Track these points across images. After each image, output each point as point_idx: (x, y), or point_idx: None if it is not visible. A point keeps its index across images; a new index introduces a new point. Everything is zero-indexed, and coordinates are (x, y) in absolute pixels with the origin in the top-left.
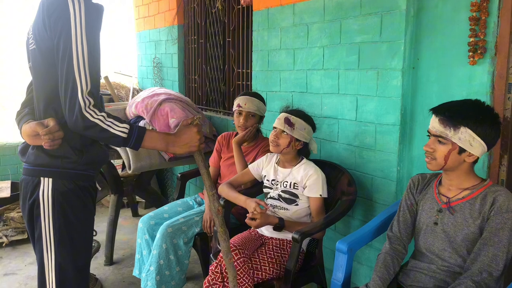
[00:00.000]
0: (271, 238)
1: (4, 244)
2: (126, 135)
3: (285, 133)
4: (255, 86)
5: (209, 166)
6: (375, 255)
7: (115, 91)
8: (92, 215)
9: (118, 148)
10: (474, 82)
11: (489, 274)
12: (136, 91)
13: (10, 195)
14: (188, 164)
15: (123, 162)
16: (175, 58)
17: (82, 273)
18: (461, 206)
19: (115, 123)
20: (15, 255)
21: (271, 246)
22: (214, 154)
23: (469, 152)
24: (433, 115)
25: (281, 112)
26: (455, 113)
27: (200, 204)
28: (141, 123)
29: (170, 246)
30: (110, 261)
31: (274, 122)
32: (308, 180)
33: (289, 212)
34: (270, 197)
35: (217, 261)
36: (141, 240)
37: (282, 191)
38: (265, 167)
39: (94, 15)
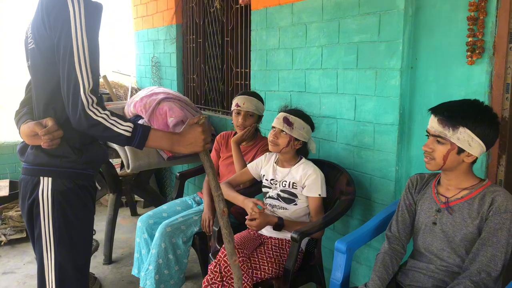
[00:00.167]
0: (270, 237)
1: (2, 243)
2: (130, 134)
3: (284, 132)
4: (254, 85)
5: (214, 165)
6: (374, 255)
7: (114, 90)
8: (92, 214)
9: (116, 147)
10: (472, 82)
11: (487, 274)
12: (135, 90)
13: (9, 194)
14: (186, 163)
15: (122, 161)
16: (174, 57)
17: (82, 272)
18: (459, 206)
19: (118, 121)
20: (13, 254)
21: (270, 246)
22: (213, 153)
23: (468, 152)
24: (432, 115)
25: (279, 112)
26: (454, 113)
27: (199, 203)
28: (140, 122)
29: (169, 245)
30: (109, 260)
31: (272, 122)
32: (307, 180)
33: (288, 211)
34: (269, 197)
35: (216, 261)
36: (140, 239)
37: (281, 191)
38: (264, 167)
39: (93, 13)
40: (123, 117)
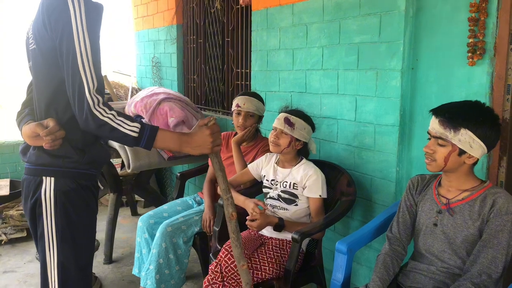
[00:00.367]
0: (271, 238)
1: (3, 242)
2: (137, 134)
3: (285, 133)
4: (254, 86)
5: (224, 168)
6: (375, 256)
7: (114, 90)
8: (95, 214)
9: (117, 147)
10: (473, 83)
11: (488, 276)
12: (135, 91)
13: (9, 193)
14: (187, 163)
15: (122, 161)
16: (174, 57)
17: (85, 272)
18: (460, 207)
19: (125, 121)
20: (14, 253)
21: (270, 246)
22: None
23: (469, 154)
24: (433, 116)
25: (280, 112)
26: (455, 114)
27: (199, 203)
28: None
29: (170, 245)
30: (109, 260)
31: (273, 122)
32: (307, 181)
33: (289, 212)
34: (270, 197)
35: (217, 261)
36: (141, 239)
37: (282, 191)
38: (264, 167)
39: (94, 14)
40: (130, 117)
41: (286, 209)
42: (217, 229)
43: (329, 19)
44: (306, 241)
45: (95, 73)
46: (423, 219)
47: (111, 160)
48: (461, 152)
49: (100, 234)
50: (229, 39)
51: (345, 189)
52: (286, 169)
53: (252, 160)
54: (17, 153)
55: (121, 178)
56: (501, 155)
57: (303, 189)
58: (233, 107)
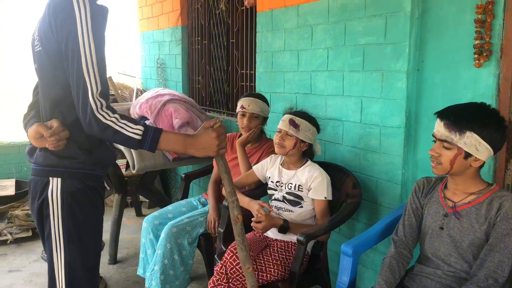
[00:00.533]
0: (276, 240)
1: (8, 242)
2: (141, 137)
3: (290, 134)
4: (259, 87)
5: (230, 171)
6: (380, 259)
7: (119, 91)
8: (101, 215)
9: (122, 148)
10: (479, 85)
11: (495, 281)
12: (140, 92)
13: (15, 193)
14: (191, 164)
15: (127, 162)
16: (179, 59)
17: (92, 272)
18: (467, 211)
19: (128, 124)
20: (19, 252)
21: (275, 248)
22: None
23: (475, 157)
24: (438, 119)
25: (285, 114)
26: (460, 117)
27: (204, 204)
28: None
29: (175, 246)
30: (114, 260)
31: (278, 124)
32: (312, 182)
33: (294, 214)
34: (275, 199)
35: (222, 262)
36: (146, 239)
37: (287, 193)
38: (269, 169)
39: (99, 17)
40: (134, 120)
41: (291, 211)
42: (222, 231)
43: (335, 20)
44: (311, 243)
45: (99, 76)
46: (429, 222)
47: (116, 161)
48: (467, 155)
49: (105, 234)
50: (233, 41)
51: (350, 191)
52: (291, 171)
53: (257, 162)
54: (22, 154)
55: (126, 179)
56: (508, 157)
57: (308, 191)
58: (238, 109)
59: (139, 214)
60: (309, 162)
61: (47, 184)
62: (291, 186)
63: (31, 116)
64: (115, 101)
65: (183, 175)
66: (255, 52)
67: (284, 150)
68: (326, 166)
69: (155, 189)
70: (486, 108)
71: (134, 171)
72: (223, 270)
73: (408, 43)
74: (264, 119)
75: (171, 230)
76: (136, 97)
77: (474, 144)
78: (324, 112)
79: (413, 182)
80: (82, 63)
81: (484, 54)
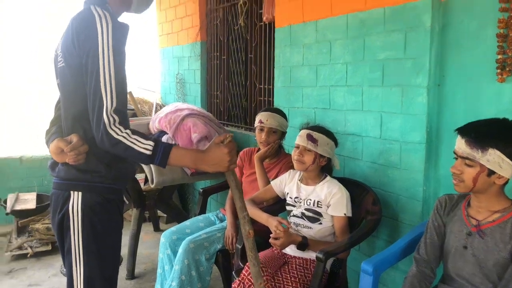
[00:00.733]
0: (294, 257)
1: (29, 255)
2: (151, 152)
3: (308, 149)
4: (277, 102)
5: (240, 186)
6: (401, 278)
7: (139, 106)
8: (120, 228)
9: None
10: (503, 100)
11: None
12: (159, 106)
13: (36, 207)
14: (209, 179)
15: (146, 176)
16: (198, 74)
17: (110, 282)
18: (491, 229)
19: (139, 140)
20: (38, 267)
21: (294, 265)
22: (236, 169)
23: (499, 174)
24: (459, 135)
25: (301, 129)
26: (482, 134)
27: (222, 220)
28: (164, 138)
29: (192, 262)
30: (131, 275)
31: (296, 139)
32: (332, 199)
33: (313, 230)
34: (293, 215)
35: (240, 279)
36: (163, 255)
37: (306, 209)
38: (287, 184)
39: (120, 34)
40: (144, 135)
41: (310, 228)
42: (239, 247)
43: (353, 35)
44: (330, 261)
45: (116, 92)
46: (452, 241)
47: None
48: (491, 173)
49: (123, 249)
50: (252, 56)
51: (370, 207)
52: (310, 187)
53: (275, 177)
54: (43, 167)
55: (144, 193)
56: None
57: (327, 207)
58: (256, 123)
59: (157, 229)
60: (328, 177)
61: (68, 198)
62: (310, 202)
63: (52, 132)
64: (134, 115)
65: (201, 190)
66: (273, 67)
67: (303, 165)
68: (345, 182)
69: (173, 203)
70: (508, 124)
71: (152, 186)
72: (240, 286)
73: (429, 58)
74: (283, 134)
75: (188, 245)
76: (156, 111)
77: (497, 161)
78: (343, 127)
79: (434, 199)
80: (100, 78)
81: (507, 69)
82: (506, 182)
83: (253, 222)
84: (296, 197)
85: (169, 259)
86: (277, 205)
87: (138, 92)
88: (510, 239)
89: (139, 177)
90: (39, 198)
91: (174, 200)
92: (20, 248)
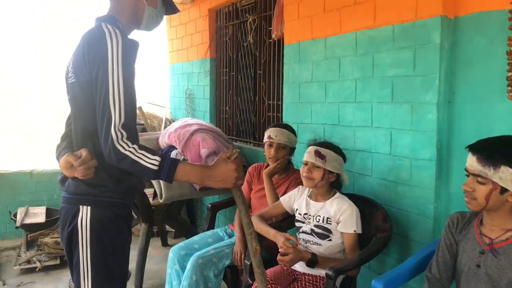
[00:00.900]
0: (304, 273)
1: (37, 269)
2: (157, 167)
3: (317, 166)
4: (286, 117)
5: (246, 202)
6: None
7: (148, 121)
8: (128, 243)
9: None
10: None
11: None
12: (169, 121)
13: (45, 221)
14: (218, 194)
15: (154, 191)
16: (207, 89)
17: None
18: (504, 248)
19: (146, 155)
20: (47, 281)
21: (303, 282)
22: (245, 185)
23: None
24: (470, 153)
25: (309, 146)
26: (494, 151)
27: (230, 236)
28: (173, 153)
29: (200, 278)
30: None
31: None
32: (341, 215)
33: (322, 247)
34: (303, 232)
35: None
36: (171, 270)
37: (315, 226)
38: (297, 200)
39: (130, 50)
40: (152, 151)
41: (320, 244)
42: (248, 263)
43: (362, 52)
44: (340, 278)
45: (124, 107)
46: (465, 260)
47: (143, 189)
48: (503, 190)
49: (131, 264)
50: (261, 72)
51: (380, 224)
52: (319, 203)
53: (284, 193)
54: (53, 182)
55: (153, 208)
56: None
57: (337, 224)
58: (265, 139)
59: (165, 244)
60: (337, 194)
61: (77, 212)
62: (319, 219)
63: (63, 147)
64: (144, 130)
65: (210, 205)
66: (282, 83)
67: (312, 182)
68: (355, 198)
69: (182, 218)
70: None
71: (161, 201)
72: None
73: (438, 75)
74: (292, 150)
75: (197, 261)
76: (165, 126)
77: (510, 178)
78: (352, 144)
79: (446, 217)
80: (109, 94)
81: None
82: None
83: (263, 238)
84: (305, 213)
85: (177, 275)
86: (286, 221)
87: (148, 107)
88: None
89: (148, 191)
90: (49, 212)
91: (182, 215)
92: (29, 262)
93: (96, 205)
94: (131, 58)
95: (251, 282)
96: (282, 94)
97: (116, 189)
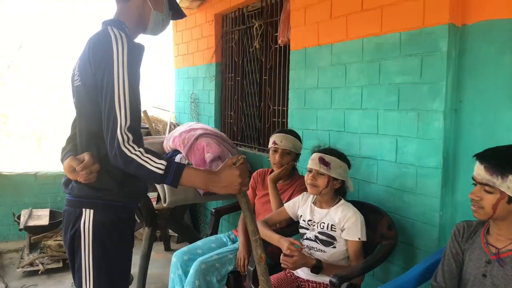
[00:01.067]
0: (308, 280)
1: (40, 272)
2: (163, 171)
3: (321, 173)
4: (291, 123)
5: (252, 209)
6: None
7: (153, 125)
8: (131, 247)
9: None
10: None
11: None
12: (173, 125)
13: (48, 223)
14: (222, 199)
15: (158, 195)
16: (212, 94)
17: None
18: (511, 258)
19: (152, 159)
20: (50, 284)
21: None
22: (249, 190)
23: None
24: (477, 162)
25: (313, 153)
26: (502, 160)
27: (234, 241)
28: (177, 157)
29: (203, 283)
30: None
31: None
32: (346, 223)
33: (326, 254)
34: (307, 238)
35: None
36: (174, 275)
37: (319, 233)
38: (301, 207)
39: (135, 54)
40: (157, 155)
41: (324, 251)
42: (251, 269)
43: (369, 59)
44: (344, 286)
45: (130, 111)
46: (471, 269)
47: (147, 193)
48: (511, 200)
49: (133, 268)
50: (266, 77)
51: (385, 232)
52: (323, 210)
53: (289, 199)
54: (57, 184)
55: (156, 212)
56: None
57: (342, 231)
58: (270, 144)
59: (168, 248)
60: (342, 201)
61: (80, 215)
62: (323, 226)
63: (67, 150)
64: (149, 134)
65: (213, 210)
66: (287, 89)
67: (317, 189)
68: (359, 205)
69: (185, 223)
70: None
71: (165, 205)
72: None
73: (445, 83)
74: (297, 156)
75: (200, 266)
76: (170, 130)
77: None
78: (358, 151)
79: (451, 225)
80: (114, 97)
81: None
82: None
83: (267, 244)
84: (309, 220)
85: (180, 280)
86: (290, 228)
87: (153, 111)
88: None
89: (151, 195)
90: (52, 214)
91: (185, 220)
92: (31, 264)
93: (99, 209)
94: (137, 62)
95: None
96: (287, 99)
97: (119, 193)
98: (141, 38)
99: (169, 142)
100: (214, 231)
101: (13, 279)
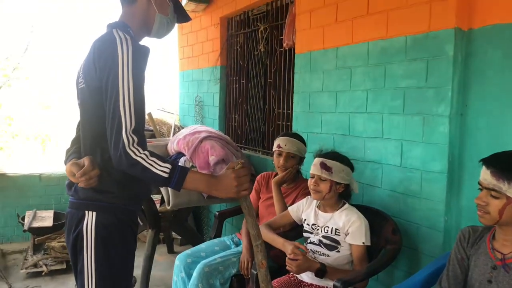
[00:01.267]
0: (311, 284)
1: (43, 273)
2: (168, 175)
3: (323, 178)
4: (296, 127)
5: (254, 214)
6: None
7: (157, 127)
8: (133, 250)
9: None
10: None
11: None
12: (178, 128)
13: (52, 225)
14: (225, 202)
15: (162, 197)
16: (217, 97)
17: None
18: None
19: (157, 162)
20: (53, 285)
21: None
22: (253, 193)
23: None
24: (484, 166)
25: (315, 157)
26: (509, 165)
27: (237, 244)
28: (182, 160)
29: (206, 286)
30: None
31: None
32: (350, 227)
33: (330, 258)
34: (311, 242)
35: None
36: (177, 277)
37: (323, 237)
38: (305, 210)
39: (140, 57)
40: (162, 158)
41: (328, 255)
42: (255, 272)
43: (374, 63)
44: None
45: (134, 113)
46: (476, 275)
47: (151, 196)
48: None
49: (137, 270)
50: (271, 80)
51: (390, 236)
52: (327, 214)
53: (293, 202)
54: (62, 185)
55: (160, 214)
56: None
57: (346, 235)
58: (274, 148)
59: (171, 250)
60: (346, 205)
61: (82, 217)
62: (327, 230)
63: (71, 152)
64: (153, 136)
65: (217, 213)
66: (292, 92)
67: (320, 195)
68: (364, 209)
69: (189, 226)
70: None
71: (169, 207)
72: None
73: (451, 87)
74: (301, 159)
75: (203, 269)
76: (174, 133)
77: None
78: (362, 154)
79: (456, 230)
80: (119, 99)
81: None
82: None
83: (270, 247)
84: (313, 224)
85: (183, 282)
86: (294, 231)
87: (157, 114)
88: None
89: (155, 198)
90: (56, 216)
91: (189, 223)
92: (35, 265)
93: (102, 211)
94: (142, 64)
95: None
96: (292, 103)
97: (121, 195)
98: (146, 41)
99: (173, 144)
100: (218, 234)
101: (16, 280)
